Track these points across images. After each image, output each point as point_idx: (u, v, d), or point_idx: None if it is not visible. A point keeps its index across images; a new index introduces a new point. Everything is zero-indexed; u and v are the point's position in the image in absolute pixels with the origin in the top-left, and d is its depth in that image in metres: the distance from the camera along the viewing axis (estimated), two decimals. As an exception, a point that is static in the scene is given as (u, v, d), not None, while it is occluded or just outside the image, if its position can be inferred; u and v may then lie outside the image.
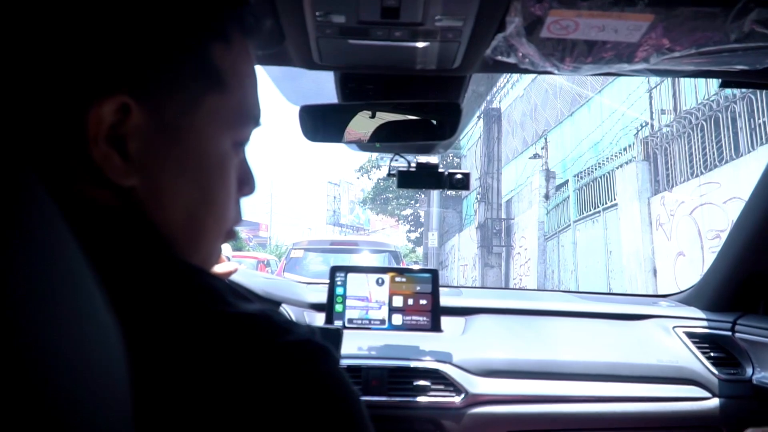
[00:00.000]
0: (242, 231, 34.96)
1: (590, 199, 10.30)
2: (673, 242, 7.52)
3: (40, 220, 0.29)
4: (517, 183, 15.65)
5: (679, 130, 7.64)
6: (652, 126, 8.55)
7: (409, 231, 32.88)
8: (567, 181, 11.62)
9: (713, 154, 6.86)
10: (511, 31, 0.87)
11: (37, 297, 0.27)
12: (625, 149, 9.40)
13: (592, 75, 0.99)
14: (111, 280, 0.36)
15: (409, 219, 31.85)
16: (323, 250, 7.91)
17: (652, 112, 8.63)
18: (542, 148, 13.19)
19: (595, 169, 10.34)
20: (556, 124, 13.18)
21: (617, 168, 9.27)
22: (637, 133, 8.93)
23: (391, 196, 29.45)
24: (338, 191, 42.26)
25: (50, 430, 0.26)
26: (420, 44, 0.92)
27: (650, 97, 8.55)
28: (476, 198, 16.95)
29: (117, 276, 0.40)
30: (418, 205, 28.00)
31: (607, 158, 10.02)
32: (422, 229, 27.89)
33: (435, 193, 20.31)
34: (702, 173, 7.00)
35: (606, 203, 9.60)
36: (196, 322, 0.42)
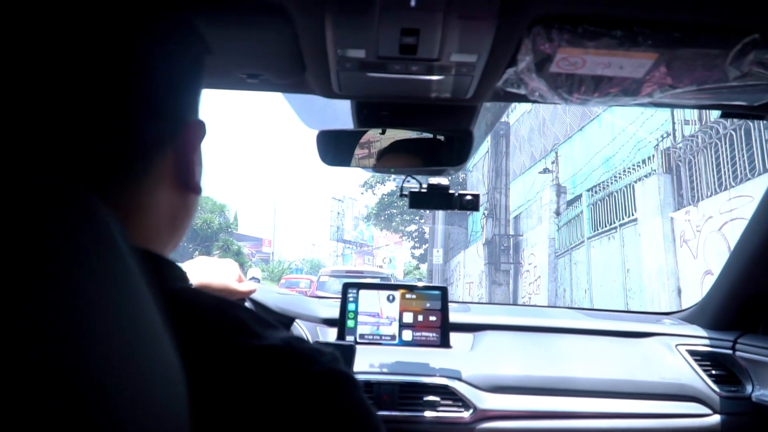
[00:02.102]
0: (245, 246, 34.24)
1: (606, 214, 9.83)
2: (700, 260, 7.09)
3: (114, 259, 0.32)
4: (525, 198, 15.50)
5: (705, 140, 7.25)
6: (674, 137, 8.12)
7: (414, 247, 32.62)
8: (580, 196, 11.26)
9: (744, 165, 6.45)
10: (522, 67, 0.92)
11: (116, 334, 0.30)
12: (643, 162, 8.92)
13: (599, 106, 1.04)
14: None
15: (414, 235, 31.73)
16: (340, 275, 13.00)
17: (674, 123, 8.18)
18: (552, 163, 13.01)
19: (611, 183, 9.86)
20: (566, 139, 12.89)
21: (636, 182, 8.80)
22: (657, 145, 8.50)
23: (395, 212, 29.34)
24: (342, 207, 42.27)
25: None
26: (435, 77, 0.97)
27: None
28: (483, 214, 16.81)
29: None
30: (423, 221, 27.95)
31: (624, 171, 9.52)
32: (427, 245, 27.74)
33: (438, 214, 20.71)
34: (732, 186, 6.58)
35: (623, 219, 9.12)
36: (225, 356, 0.44)
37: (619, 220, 9.33)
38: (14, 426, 0.25)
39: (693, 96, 0.95)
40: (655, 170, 8.44)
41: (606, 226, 9.93)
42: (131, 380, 0.31)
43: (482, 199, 14.98)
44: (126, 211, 0.48)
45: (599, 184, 10.45)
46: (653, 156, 8.61)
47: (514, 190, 16.39)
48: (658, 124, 8.69)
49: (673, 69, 0.89)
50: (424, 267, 31.69)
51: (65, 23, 0.42)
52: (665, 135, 8.44)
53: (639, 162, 9.17)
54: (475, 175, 20.87)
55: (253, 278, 12.58)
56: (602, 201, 10.14)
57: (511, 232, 15.89)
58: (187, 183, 0.54)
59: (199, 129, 0.55)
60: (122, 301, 0.32)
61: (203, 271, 1.12)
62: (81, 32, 0.43)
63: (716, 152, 7.10)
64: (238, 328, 0.47)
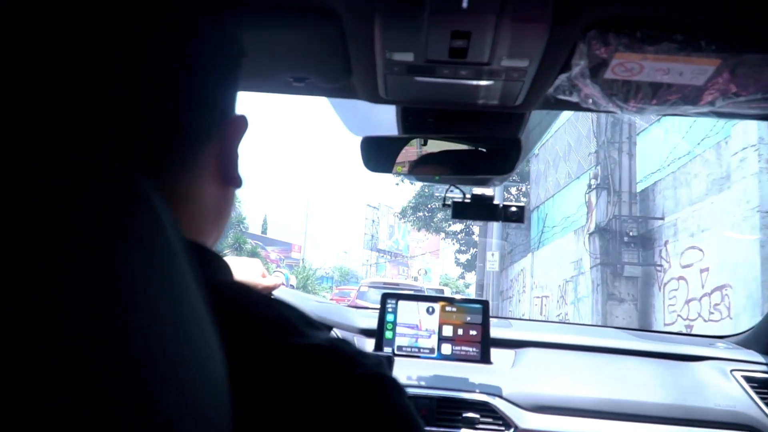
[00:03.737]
0: (273, 251, 33.70)
1: None
2: None
3: (162, 247, 0.31)
4: (664, 161, 9.04)
5: None
6: None
7: (459, 251, 26.77)
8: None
9: None
10: (576, 72, 0.89)
11: (162, 321, 0.29)
12: None
13: (657, 115, 1.00)
14: None
15: (459, 237, 26.03)
16: (379, 286, 13.20)
17: None
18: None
19: None
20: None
21: None
22: None
23: (436, 206, 23.59)
24: (377, 215, 41.40)
25: None
26: (484, 82, 0.95)
27: None
28: (590, 185, 10.57)
29: None
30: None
31: None
32: (475, 249, 23.56)
33: (496, 193, 17.55)
34: None
35: None
36: (271, 354, 0.43)
37: None
38: (65, 414, 0.25)
39: (758, 105, 0.90)
40: None
41: None
42: (174, 371, 0.30)
43: (590, 159, 11.04)
44: (172, 201, 0.49)
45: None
46: None
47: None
48: None
49: (737, 76, 0.85)
50: (470, 277, 27.23)
51: (112, 15, 0.43)
52: None
53: None
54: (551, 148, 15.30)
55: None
56: None
57: (638, 214, 9.67)
58: (229, 176, 0.55)
59: (242, 123, 0.56)
60: (168, 290, 0.31)
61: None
62: (128, 24, 0.43)
63: None
64: (282, 325, 0.46)
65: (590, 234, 10.18)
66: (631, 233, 9.35)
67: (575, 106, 1.02)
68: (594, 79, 0.90)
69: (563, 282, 12.61)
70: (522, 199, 22.21)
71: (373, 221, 41.30)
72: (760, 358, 1.60)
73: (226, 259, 1.16)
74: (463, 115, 1.15)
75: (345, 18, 0.80)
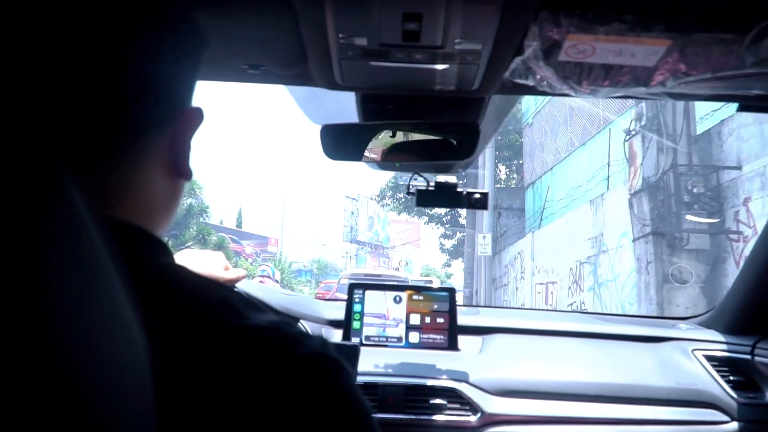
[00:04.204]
0: (249, 245, 32.45)
1: None
2: None
3: (73, 226, 0.30)
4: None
5: None
6: None
7: (445, 235, 24.27)
8: None
9: None
10: (529, 55, 0.89)
11: (69, 301, 0.28)
12: None
13: (608, 98, 1.01)
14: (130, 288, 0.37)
15: (444, 220, 23.30)
16: (360, 279, 11.93)
17: None
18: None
19: None
20: None
21: None
22: None
23: None
24: (356, 206, 40.51)
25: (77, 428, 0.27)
26: (440, 66, 0.94)
27: None
28: (628, 131, 7.80)
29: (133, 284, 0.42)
30: None
31: None
32: (462, 233, 20.94)
33: (486, 173, 14.25)
34: None
35: None
36: (209, 335, 0.43)
37: None
38: None
39: (708, 85, 0.91)
40: None
41: None
42: (86, 349, 0.29)
43: (598, 122, 9.41)
44: (119, 189, 0.48)
45: None
46: None
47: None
48: None
49: (687, 55, 0.86)
50: (457, 265, 24.36)
51: (64, 3, 0.42)
52: None
53: None
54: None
55: (262, 272, 12.32)
56: None
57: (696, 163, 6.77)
58: (180, 168, 0.54)
59: (196, 116, 0.55)
60: (77, 269, 0.30)
61: (188, 262, 1.11)
62: (79, 14, 0.43)
63: None
64: (222, 306, 0.46)
65: (634, 194, 7.44)
66: (695, 189, 6.49)
67: (532, 90, 1.02)
68: (548, 62, 0.91)
69: (576, 264, 9.83)
70: (513, 177, 20.76)
71: (352, 213, 40.29)
72: (720, 337, 1.64)
73: (191, 253, 1.15)
74: (423, 101, 1.15)
75: (296, 2, 0.79)
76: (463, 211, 17.21)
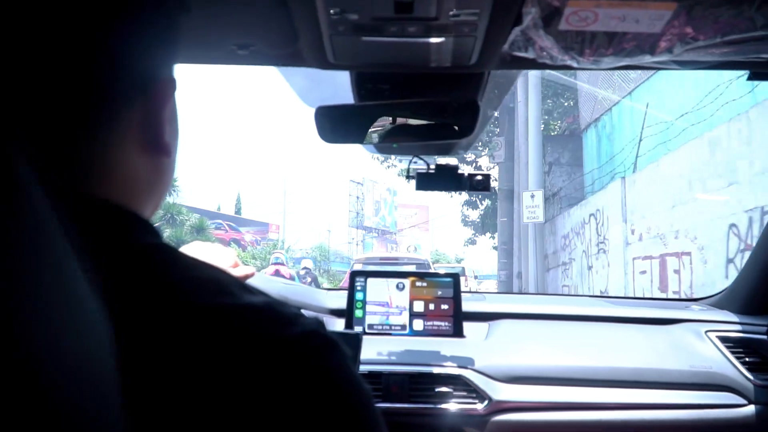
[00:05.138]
0: (248, 232, 31.45)
1: None
2: None
3: (26, 209, 0.28)
4: None
5: None
6: None
7: (468, 203, 18.83)
8: None
9: None
10: (528, 24, 0.85)
11: (23, 287, 0.26)
12: None
13: (612, 69, 0.96)
14: (105, 270, 0.35)
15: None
16: (375, 262, 11.19)
17: None
18: None
19: None
20: None
21: None
22: None
23: None
24: (362, 191, 39.29)
25: (40, 421, 0.25)
26: (435, 40, 0.91)
27: None
28: None
29: (111, 265, 0.39)
30: (488, 149, 14.60)
31: None
32: (489, 202, 16.46)
33: (530, 113, 10.63)
34: None
35: None
36: (195, 314, 0.40)
37: None
38: None
39: (717, 51, 0.87)
40: None
41: None
42: (41, 342, 0.27)
43: None
44: (90, 166, 0.46)
45: None
46: None
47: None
48: None
49: (694, 19, 0.82)
50: (483, 242, 19.64)
51: None
52: None
53: None
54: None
55: (305, 269, 11.93)
56: None
57: None
58: (156, 143, 0.51)
59: (169, 86, 0.52)
60: (18, 247, 0.27)
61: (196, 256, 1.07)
62: None
63: None
64: (213, 286, 0.44)
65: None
66: None
67: (532, 63, 0.98)
68: (548, 31, 0.87)
69: (745, 218, 5.09)
70: (554, 123, 16.19)
71: (358, 197, 39.03)
72: (734, 318, 1.59)
73: (199, 246, 1.10)
74: (419, 79, 1.11)
75: None
76: (495, 171, 13.45)
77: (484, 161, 16.59)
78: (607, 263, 8.55)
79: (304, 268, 11.57)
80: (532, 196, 10.13)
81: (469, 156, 16.08)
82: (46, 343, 0.27)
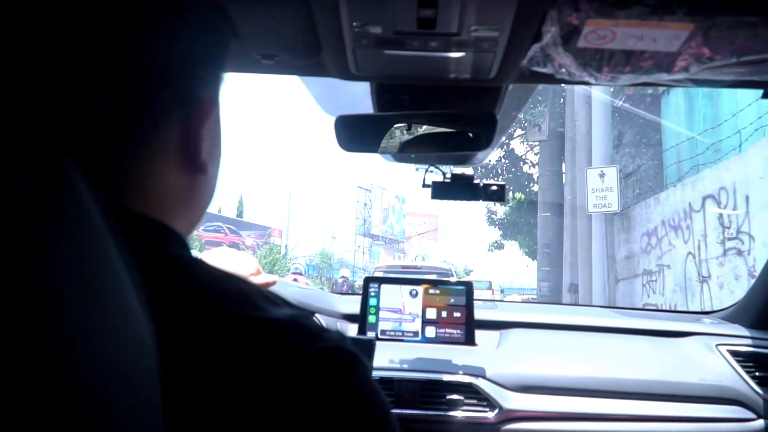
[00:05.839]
0: (248, 236, 30.81)
1: None
2: None
3: (78, 216, 0.29)
4: None
5: None
6: None
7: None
8: None
9: None
10: (548, 41, 0.87)
11: (72, 292, 0.28)
12: None
13: (630, 85, 0.98)
14: (143, 281, 0.36)
15: (497, 169, 14.48)
16: (396, 271, 11.07)
17: None
18: None
19: None
20: None
21: None
22: None
23: None
24: (369, 198, 38.48)
25: (82, 423, 0.27)
26: (455, 54, 0.93)
27: None
28: None
29: (146, 276, 0.41)
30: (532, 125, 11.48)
31: None
32: (522, 195, 13.28)
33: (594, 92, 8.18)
34: None
35: None
36: (223, 327, 0.42)
37: None
38: None
39: (733, 71, 0.89)
40: None
41: None
42: (91, 346, 0.28)
43: None
44: (129, 179, 0.47)
45: None
46: None
47: None
48: None
49: (711, 39, 0.83)
50: (510, 247, 16.76)
51: None
52: None
53: None
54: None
55: (343, 278, 12.09)
56: None
57: None
58: (193, 160, 0.52)
59: (211, 107, 0.53)
60: (83, 262, 0.29)
61: (217, 263, 1.09)
62: None
63: None
64: (240, 299, 0.45)
65: None
66: None
67: (550, 78, 1.00)
68: (567, 48, 0.89)
69: None
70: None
71: (365, 205, 38.24)
72: (745, 332, 1.60)
73: (221, 253, 1.12)
74: (439, 90, 1.13)
75: None
76: (535, 147, 11.75)
77: (516, 144, 13.77)
78: (745, 271, 5.50)
79: (342, 276, 11.86)
80: (602, 175, 7.24)
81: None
82: (105, 352, 0.29)
